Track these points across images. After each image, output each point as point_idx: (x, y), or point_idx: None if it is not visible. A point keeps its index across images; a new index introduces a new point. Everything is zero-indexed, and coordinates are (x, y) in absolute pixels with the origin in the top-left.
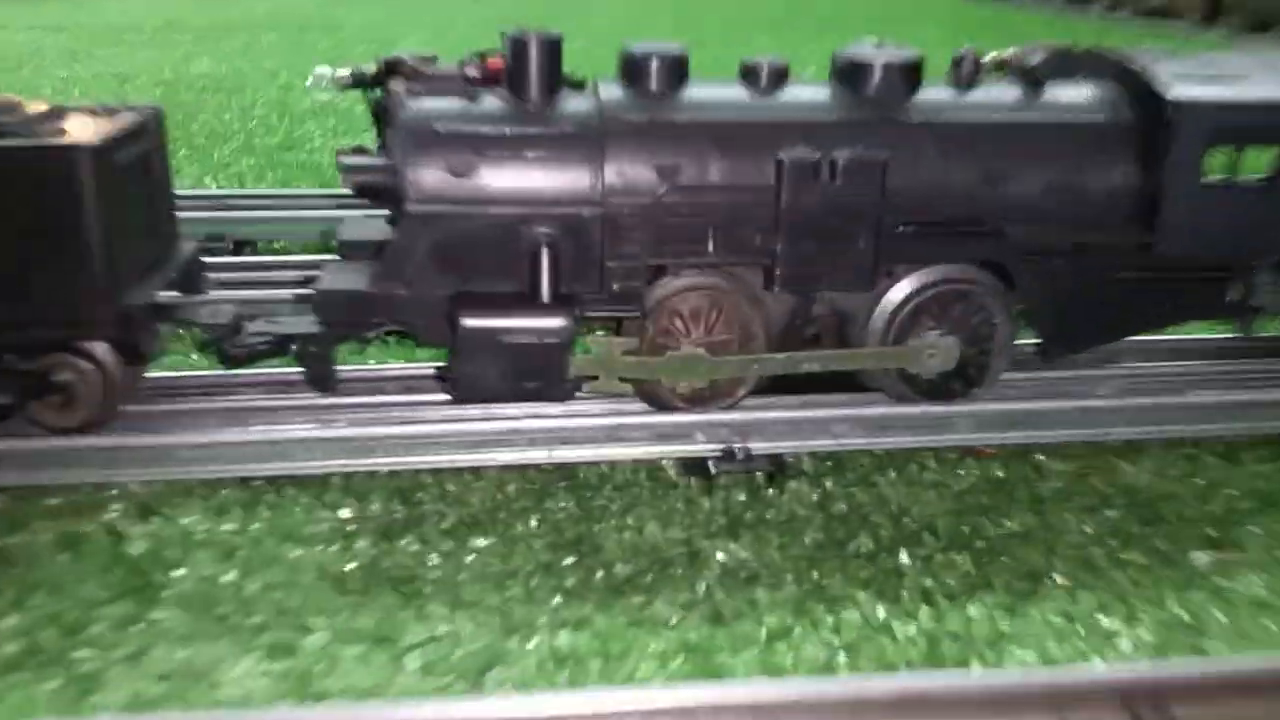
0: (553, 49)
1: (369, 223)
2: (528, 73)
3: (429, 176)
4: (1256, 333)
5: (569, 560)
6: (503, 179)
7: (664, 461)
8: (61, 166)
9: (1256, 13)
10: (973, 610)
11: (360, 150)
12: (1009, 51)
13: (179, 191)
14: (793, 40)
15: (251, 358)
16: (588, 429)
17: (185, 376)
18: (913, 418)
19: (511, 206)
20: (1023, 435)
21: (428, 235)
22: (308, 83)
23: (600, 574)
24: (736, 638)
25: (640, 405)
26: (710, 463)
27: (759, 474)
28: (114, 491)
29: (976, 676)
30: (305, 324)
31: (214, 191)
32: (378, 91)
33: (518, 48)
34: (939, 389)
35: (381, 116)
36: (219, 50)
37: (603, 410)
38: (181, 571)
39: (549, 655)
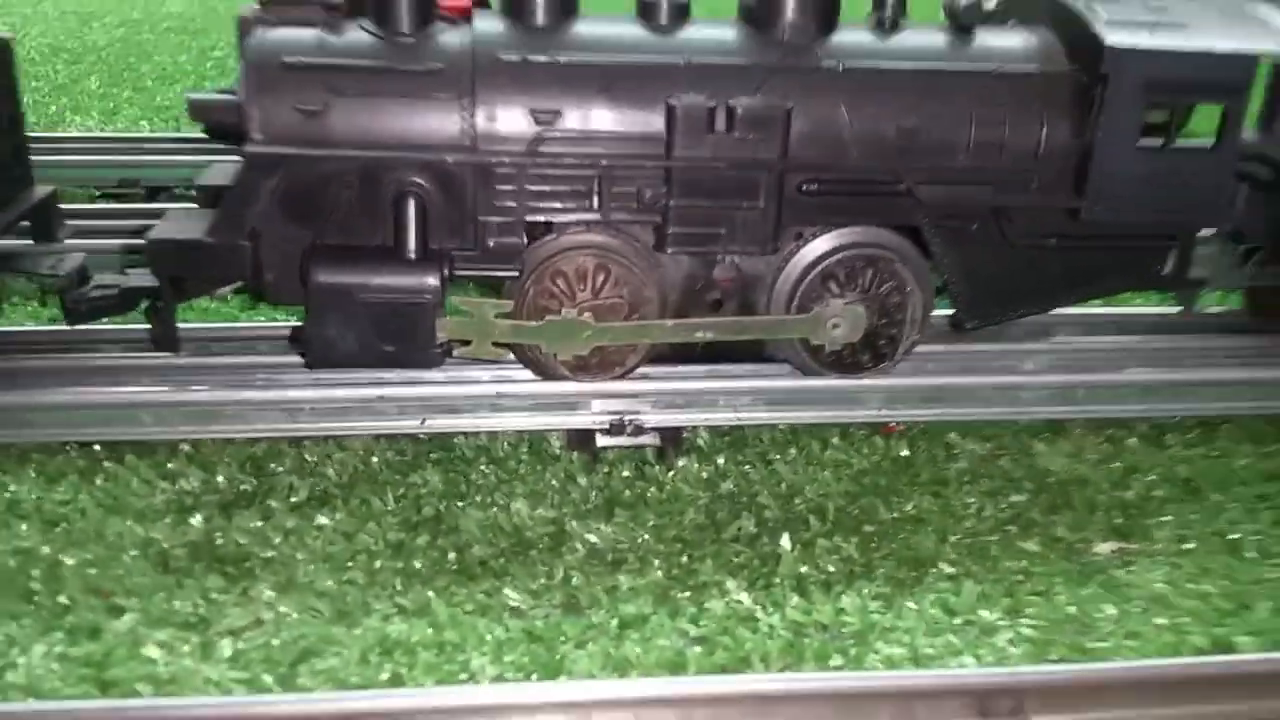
0: None
1: (228, 168)
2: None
3: (275, 114)
4: (1199, 308)
5: (421, 540)
6: (361, 119)
7: (552, 435)
8: None
9: None
10: (846, 601)
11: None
12: None
13: (112, 133)
14: None
15: (94, 312)
16: (469, 396)
17: (27, 331)
18: (818, 391)
19: (372, 150)
20: (935, 412)
21: (273, 179)
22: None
23: (453, 555)
24: (587, 628)
25: (527, 373)
26: (596, 434)
27: (648, 449)
28: None
29: (825, 677)
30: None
31: (138, 134)
32: None
33: None
34: (846, 362)
35: None
36: None
37: (489, 378)
38: None
39: (375, 645)
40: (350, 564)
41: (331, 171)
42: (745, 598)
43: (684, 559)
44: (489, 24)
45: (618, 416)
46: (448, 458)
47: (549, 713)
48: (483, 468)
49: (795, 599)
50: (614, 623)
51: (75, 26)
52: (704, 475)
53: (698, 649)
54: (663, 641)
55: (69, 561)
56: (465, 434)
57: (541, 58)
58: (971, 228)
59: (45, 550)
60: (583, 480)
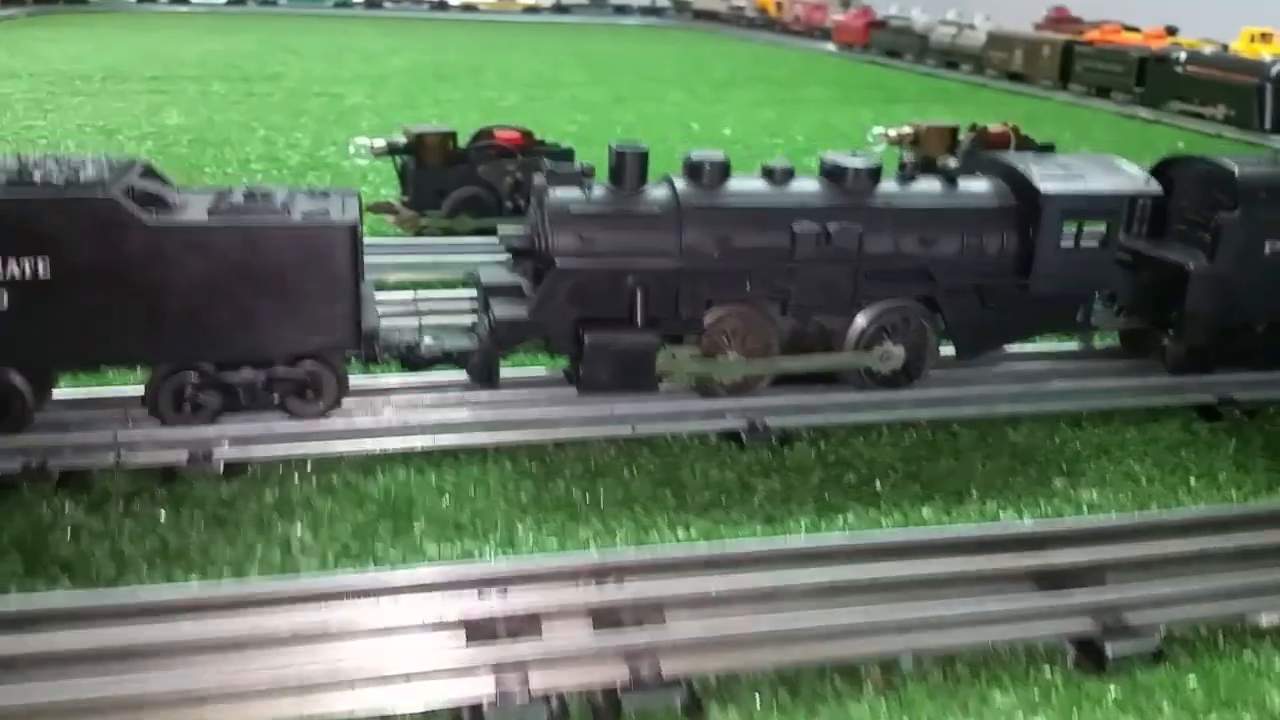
0: (642, 157)
1: (497, 269)
2: (625, 172)
3: (569, 242)
4: (1092, 342)
5: (667, 490)
6: (615, 243)
7: (710, 433)
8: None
9: (1097, 81)
10: (925, 511)
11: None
12: (906, 128)
13: None
14: (703, 98)
15: (427, 364)
16: (660, 412)
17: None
18: (874, 401)
19: (620, 260)
20: (943, 411)
21: (568, 281)
22: (349, 150)
23: (683, 499)
24: (783, 531)
25: (689, 394)
26: (741, 432)
27: (773, 439)
28: None
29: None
30: (464, 340)
31: None
32: (404, 158)
33: (620, 156)
34: (890, 381)
35: (405, 178)
36: (180, 101)
37: (667, 398)
38: None
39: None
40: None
41: (597, 275)
42: (869, 512)
43: (825, 496)
44: (680, 184)
45: (751, 420)
46: (656, 447)
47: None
48: (678, 451)
49: (896, 513)
50: (802, 525)
51: (103, 140)
52: (813, 455)
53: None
54: (828, 531)
55: None
56: (662, 435)
57: (718, 204)
58: (964, 297)
59: None
60: (743, 458)
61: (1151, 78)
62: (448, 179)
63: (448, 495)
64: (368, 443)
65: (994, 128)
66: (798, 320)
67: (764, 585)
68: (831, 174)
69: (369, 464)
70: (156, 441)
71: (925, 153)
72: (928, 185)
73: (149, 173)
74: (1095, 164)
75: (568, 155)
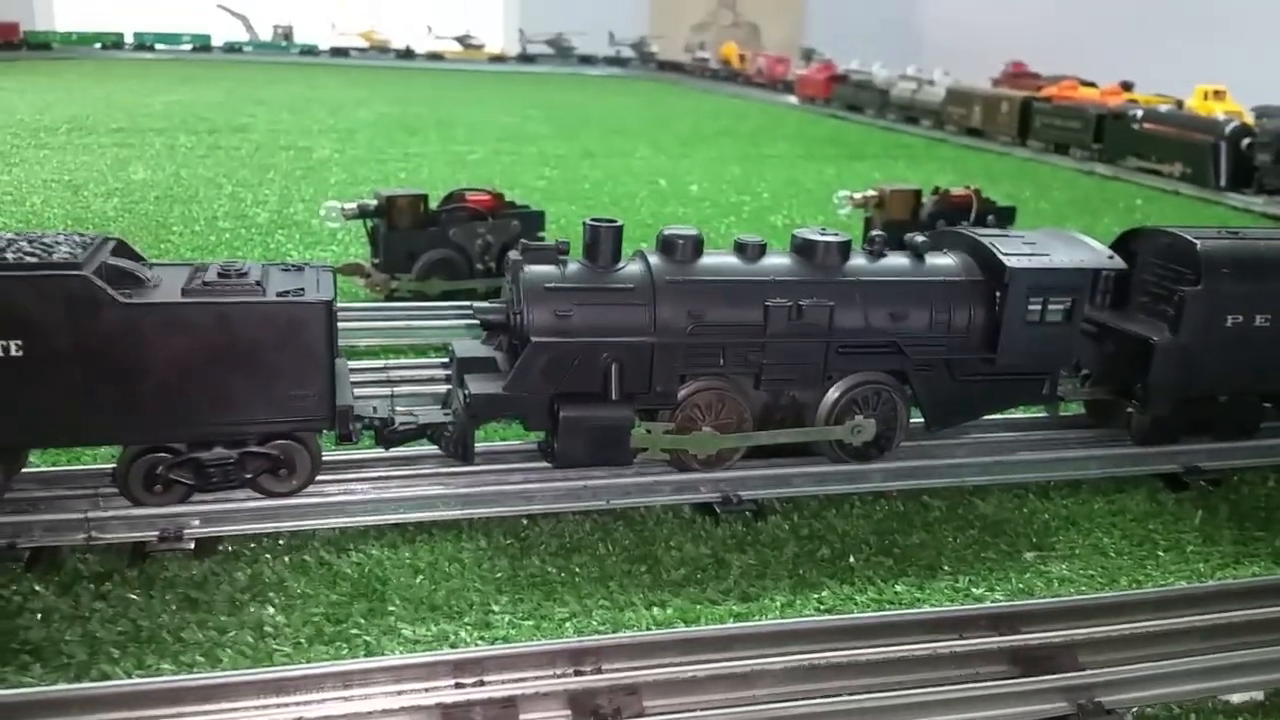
0: (617, 233)
1: (472, 343)
2: (600, 247)
3: (544, 318)
4: (1058, 413)
5: (643, 567)
6: (590, 319)
7: (684, 506)
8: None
9: (1055, 137)
10: (899, 588)
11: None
12: (871, 191)
13: None
14: (669, 153)
15: (402, 439)
16: (634, 484)
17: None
18: (845, 472)
19: (595, 336)
20: (913, 484)
21: (543, 356)
22: (320, 213)
23: (659, 575)
24: (758, 609)
25: (662, 468)
26: (715, 506)
27: (747, 513)
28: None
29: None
30: (438, 415)
31: None
32: (375, 221)
33: (595, 231)
34: (861, 453)
35: (376, 240)
36: (146, 155)
37: (640, 471)
38: None
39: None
40: (608, 578)
41: (572, 350)
42: (843, 589)
43: (799, 571)
44: (654, 259)
45: (724, 494)
46: (629, 521)
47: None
48: (652, 526)
49: (870, 589)
50: (776, 603)
51: (70, 196)
52: (787, 528)
53: (823, 615)
54: (805, 611)
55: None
56: (634, 507)
57: (691, 280)
58: (933, 371)
59: None
60: (718, 531)
61: (1109, 135)
62: (419, 241)
63: (422, 574)
64: (340, 519)
65: (956, 190)
66: (770, 394)
67: (741, 668)
68: (802, 249)
69: (341, 541)
70: (127, 520)
71: (889, 216)
72: (896, 260)
73: (122, 248)
74: (1058, 239)
75: (537, 217)
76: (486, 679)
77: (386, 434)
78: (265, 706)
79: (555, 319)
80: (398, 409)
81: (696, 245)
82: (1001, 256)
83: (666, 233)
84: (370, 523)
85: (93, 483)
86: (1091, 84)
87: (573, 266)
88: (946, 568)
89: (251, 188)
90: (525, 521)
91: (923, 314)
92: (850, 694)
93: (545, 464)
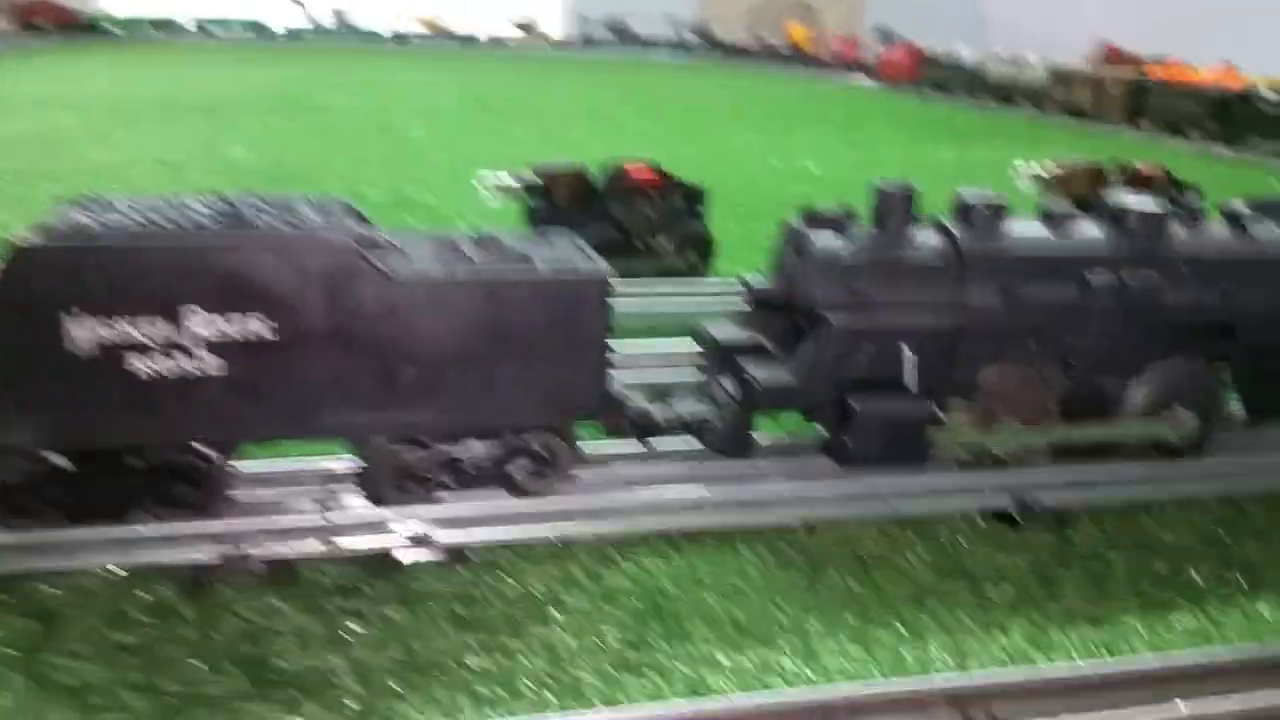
0: (909, 199)
1: (727, 325)
2: (892, 216)
3: (839, 296)
4: None
5: (959, 583)
6: (889, 298)
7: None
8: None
9: (1171, 118)
10: (1261, 606)
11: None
12: (1055, 168)
13: None
14: (767, 133)
15: (662, 433)
16: (920, 487)
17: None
18: (1154, 474)
19: (895, 318)
20: (1228, 485)
21: (839, 341)
22: (479, 189)
23: (980, 592)
24: (1115, 635)
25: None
26: (1012, 513)
27: (1051, 520)
28: None
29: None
30: (699, 407)
31: None
32: (534, 199)
33: (887, 197)
34: (1175, 451)
35: (535, 219)
36: (241, 135)
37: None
38: None
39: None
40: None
41: (870, 334)
42: (1202, 610)
43: (1142, 589)
44: (954, 227)
45: (1017, 498)
46: (922, 531)
47: None
48: (949, 534)
49: (1232, 611)
50: (1124, 624)
51: (169, 176)
52: (1101, 538)
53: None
54: (1183, 626)
55: None
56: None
57: (1005, 252)
58: (1264, 356)
59: None
60: (1028, 541)
61: (1235, 116)
62: (581, 221)
63: (708, 590)
64: (603, 525)
65: (1144, 168)
66: (1075, 382)
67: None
68: (1113, 216)
69: (604, 549)
70: (369, 524)
71: (1072, 192)
72: (1219, 231)
73: (352, 214)
74: None
75: (700, 194)
76: None
77: (645, 426)
78: None
79: (850, 298)
80: (656, 400)
81: (1001, 212)
82: None
83: (966, 196)
84: (636, 528)
85: (313, 481)
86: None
87: (863, 236)
88: None
89: (357, 167)
90: (802, 529)
91: (1256, 292)
92: None
93: (820, 462)
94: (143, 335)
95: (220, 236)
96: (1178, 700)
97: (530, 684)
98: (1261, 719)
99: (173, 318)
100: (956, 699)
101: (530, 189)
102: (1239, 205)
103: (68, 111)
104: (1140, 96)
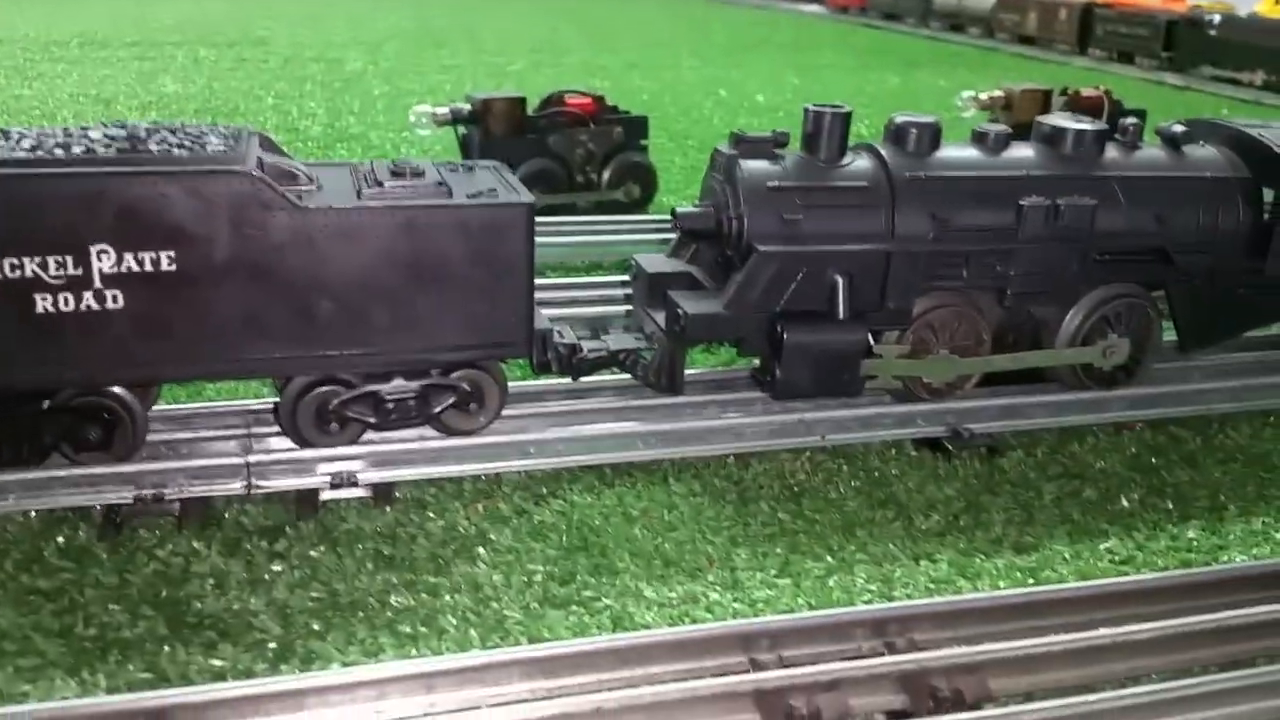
0: (844, 121)
1: (657, 257)
2: (822, 137)
3: (769, 223)
4: None
5: (889, 513)
6: (819, 224)
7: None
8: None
9: (1120, 45)
10: (1191, 534)
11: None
12: (997, 92)
13: None
14: (717, 64)
15: (592, 368)
16: (850, 418)
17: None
18: (1083, 401)
19: (826, 244)
20: (1157, 411)
21: (770, 268)
22: (409, 119)
23: (909, 522)
24: (1042, 562)
25: (879, 397)
26: (945, 441)
27: (982, 449)
28: None
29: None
30: (630, 341)
31: None
32: (467, 127)
33: (818, 119)
34: (1108, 378)
35: (469, 150)
36: (171, 68)
37: (847, 404)
38: None
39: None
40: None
41: (800, 261)
42: (1129, 537)
43: (1072, 516)
44: (886, 152)
45: (950, 427)
46: (852, 460)
47: None
48: (881, 464)
49: (1161, 536)
50: (1064, 547)
51: (100, 110)
52: (1032, 465)
53: (1136, 557)
54: (1092, 563)
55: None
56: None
57: (935, 175)
58: (1197, 282)
59: None
60: (959, 469)
61: (1181, 42)
62: (516, 151)
63: (637, 524)
64: (531, 461)
65: (1087, 91)
66: (1009, 311)
67: (1098, 640)
68: (1050, 138)
69: (533, 486)
70: (292, 464)
71: (1016, 118)
72: (1154, 153)
73: (267, 144)
74: None
75: (641, 123)
76: (785, 654)
77: (575, 362)
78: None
79: (781, 224)
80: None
81: (935, 135)
82: (1278, 149)
83: (900, 120)
84: (565, 465)
85: (238, 422)
86: None
87: (793, 161)
88: (1232, 508)
89: (293, 100)
90: (732, 461)
91: (1190, 215)
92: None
93: (749, 393)
94: (37, 270)
95: (115, 163)
96: (1100, 626)
97: (453, 621)
98: (1183, 640)
99: (67, 251)
100: (876, 626)
101: (463, 119)
102: (1177, 128)
103: None
104: (1089, 22)
